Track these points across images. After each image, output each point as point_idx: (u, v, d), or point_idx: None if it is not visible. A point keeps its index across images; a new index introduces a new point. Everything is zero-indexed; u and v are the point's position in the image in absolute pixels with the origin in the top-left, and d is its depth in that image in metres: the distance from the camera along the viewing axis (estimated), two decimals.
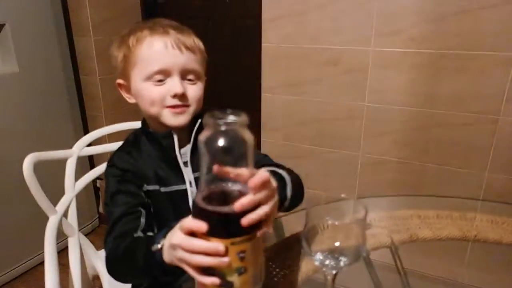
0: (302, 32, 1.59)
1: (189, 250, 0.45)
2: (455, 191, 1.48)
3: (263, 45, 1.65)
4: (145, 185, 0.78)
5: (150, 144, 0.81)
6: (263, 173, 0.44)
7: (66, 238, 1.03)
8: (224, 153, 0.43)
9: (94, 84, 1.99)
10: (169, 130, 0.79)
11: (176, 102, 0.75)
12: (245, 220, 0.43)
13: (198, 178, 0.48)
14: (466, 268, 0.88)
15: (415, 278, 0.78)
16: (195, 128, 0.79)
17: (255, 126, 1.85)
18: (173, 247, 0.49)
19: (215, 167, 0.43)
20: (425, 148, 1.54)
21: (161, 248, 0.54)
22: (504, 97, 1.36)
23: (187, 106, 0.77)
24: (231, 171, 0.43)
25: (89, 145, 1.17)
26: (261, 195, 0.44)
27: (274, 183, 0.48)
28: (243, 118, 0.43)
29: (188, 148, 0.81)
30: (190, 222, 0.45)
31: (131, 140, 0.84)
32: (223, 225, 0.44)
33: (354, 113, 1.61)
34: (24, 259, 1.82)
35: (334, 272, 0.53)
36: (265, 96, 1.75)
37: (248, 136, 0.43)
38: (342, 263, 0.51)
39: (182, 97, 0.75)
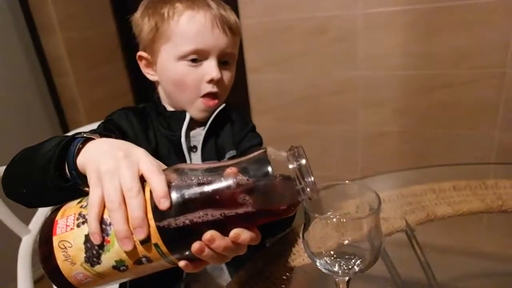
0: (283, 1, 1.46)
1: (124, 191, 0.35)
2: (465, 156, 1.38)
3: (242, 21, 1.52)
4: None
5: (157, 119, 0.73)
6: (252, 237, 0.38)
7: None
8: (268, 191, 0.37)
9: (70, 86, 1.85)
10: (184, 111, 0.71)
11: (211, 88, 0.68)
12: (196, 248, 0.35)
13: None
14: (497, 241, 0.78)
15: (438, 264, 0.68)
16: (215, 113, 0.72)
17: (244, 110, 1.74)
18: (113, 159, 0.37)
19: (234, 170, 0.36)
20: (428, 113, 1.44)
21: (85, 141, 0.42)
22: (509, 48, 1.25)
23: (219, 98, 0.71)
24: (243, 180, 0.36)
25: None
26: (230, 251, 0.37)
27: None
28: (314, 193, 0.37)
29: (200, 131, 0.72)
30: (160, 184, 0.34)
31: (138, 108, 0.76)
32: (178, 229, 0.34)
33: (348, 84, 1.50)
34: None
35: (347, 278, 0.43)
36: (251, 77, 1.63)
37: (291, 214, 0.38)
38: (356, 268, 0.41)
39: (217, 82, 0.68)
